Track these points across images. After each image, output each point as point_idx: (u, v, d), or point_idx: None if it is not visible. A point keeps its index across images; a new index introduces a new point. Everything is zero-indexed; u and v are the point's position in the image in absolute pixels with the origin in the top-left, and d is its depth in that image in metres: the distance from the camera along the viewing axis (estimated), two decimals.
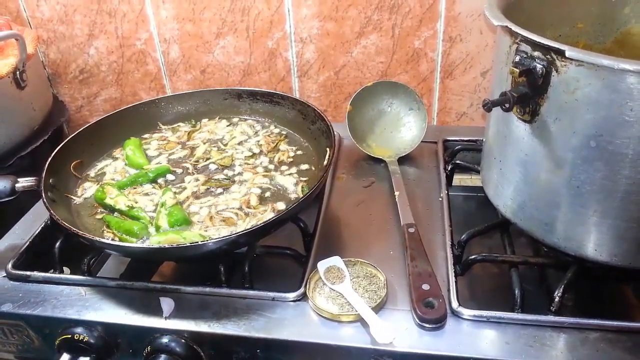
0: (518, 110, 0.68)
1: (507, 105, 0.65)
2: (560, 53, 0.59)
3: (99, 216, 0.87)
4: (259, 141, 1.03)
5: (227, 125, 1.09)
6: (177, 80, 1.31)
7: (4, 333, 0.79)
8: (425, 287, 0.71)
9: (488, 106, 0.65)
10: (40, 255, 0.88)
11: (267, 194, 0.89)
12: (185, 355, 0.72)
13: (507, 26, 0.66)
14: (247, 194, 0.89)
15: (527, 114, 0.67)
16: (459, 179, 1.08)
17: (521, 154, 0.70)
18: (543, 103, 0.64)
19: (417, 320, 0.69)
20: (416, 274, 0.74)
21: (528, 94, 0.65)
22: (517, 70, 0.63)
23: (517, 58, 0.64)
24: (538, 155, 0.68)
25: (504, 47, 0.69)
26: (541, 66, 0.62)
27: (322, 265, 0.78)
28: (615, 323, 0.67)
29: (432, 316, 0.68)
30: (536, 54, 0.63)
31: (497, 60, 0.73)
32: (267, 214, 0.84)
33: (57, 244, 0.85)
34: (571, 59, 0.59)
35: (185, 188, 0.92)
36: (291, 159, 0.97)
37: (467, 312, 0.70)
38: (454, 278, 0.75)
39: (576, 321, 0.68)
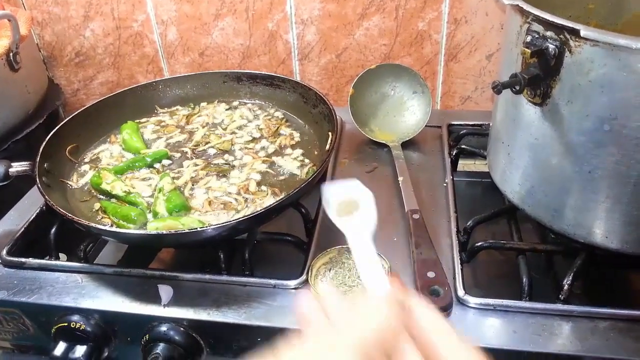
0: (528, 92, 0.65)
1: (517, 88, 0.63)
2: (575, 33, 0.57)
3: (95, 202, 0.85)
4: (259, 125, 1.01)
5: (227, 109, 1.06)
6: (175, 62, 1.29)
7: None
8: (431, 274, 0.70)
9: (498, 88, 0.62)
10: (36, 241, 0.86)
11: (268, 178, 0.87)
12: (185, 344, 0.70)
13: (518, 5, 0.63)
14: (247, 179, 0.87)
15: (538, 96, 0.64)
16: (462, 164, 1.06)
17: (531, 138, 0.68)
18: (555, 85, 0.62)
19: None
20: (421, 261, 0.72)
21: (539, 75, 0.62)
22: (529, 51, 0.61)
23: (529, 38, 0.62)
24: (548, 139, 0.65)
25: (514, 27, 0.67)
26: (554, 47, 0.60)
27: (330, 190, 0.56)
28: (625, 312, 0.65)
29: (438, 304, 0.66)
30: (549, 34, 0.60)
31: (507, 40, 0.71)
32: (267, 200, 0.82)
33: (53, 230, 0.83)
34: (586, 39, 0.56)
35: (183, 173, 0.89)
36: (293, 143, 0.95)
37: (473, 300, 0.68)
38: (459, 265, 0.73)
39: (585, 310, 0.66)
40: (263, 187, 0.85)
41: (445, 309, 0.67)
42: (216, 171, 0.89)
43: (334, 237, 0.81)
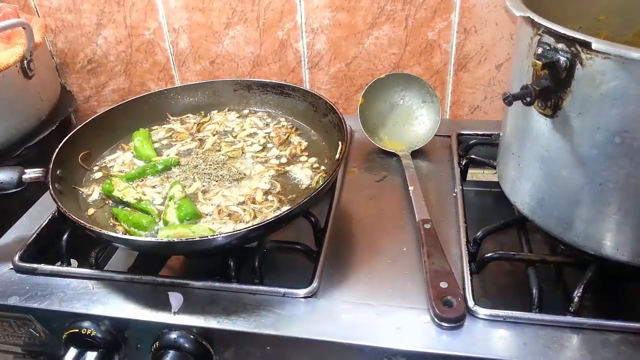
0: (539, 104, 0.65)
1: (528, 99, 0.63)
2: (586, 45, 0.57)
3: (107, 209, 0.86)
4: (269, 133, 1.01)
5: (237, 117, 1.07)
6: (186, 71, 1.30)
7: (11, 326, 0.79)
8: (444, 285, 0.69)
9: (509, 100, 0.63)
10: (48, 247, 0.87)
11: (278, 187, 0.87)
12: (194, 352, 0.71)
13: (529, 17, 0.64)
14: (258, 187, 0.87)
15: (549, 108, 0.64)
16: (471, 174, 1.06)
17: (541, 150, 0.68)
18: (566, 97, 0.62)
19: (435, 319, 0.67)
20: (433, 271, 0.72)
21: (550, 87, 0.62)
22: (540, 63, 0.61)
23: (540, 50, 0.62)
24: (559, 151, 0.65)
25: (525, 38, 0.67)
26: (565, 59, 0.60)
27: None
28: (637, 325, 0.65)
29: (451, 315, 0.66)
30: (560, 46, 0.60)
31: (517, 52, 0.71)
32: (274, 209, 0.82)
33: (65, 236, 0.84)
34: (597, 52, 0.56)
35: (194, 181, 0.90)
36: (304, 152, 0.95)
37: (482, 312, 0.68)
38: (469, 276, 0.73)
39: (596, 322, 0.66)
40: (270, 197, 0.85)
41: (459, 320, 0.67)
42: (226, 179, 0.90)
43: (343, 246, 0.81)
